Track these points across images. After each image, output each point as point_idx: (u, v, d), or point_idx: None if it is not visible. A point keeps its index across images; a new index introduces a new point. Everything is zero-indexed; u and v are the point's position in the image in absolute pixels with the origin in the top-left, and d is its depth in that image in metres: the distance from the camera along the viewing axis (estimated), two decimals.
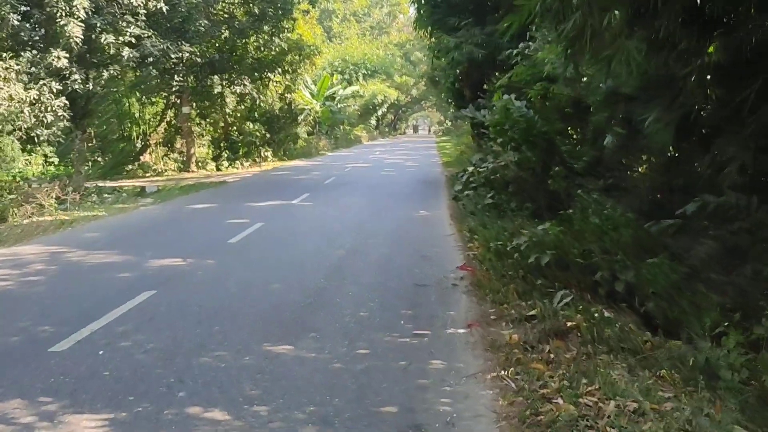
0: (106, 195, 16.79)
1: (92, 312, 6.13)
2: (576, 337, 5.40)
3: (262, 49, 26.07)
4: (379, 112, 64.72)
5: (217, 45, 24.94)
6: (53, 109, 15.99)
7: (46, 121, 15.99)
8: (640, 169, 10.25)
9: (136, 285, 7.14)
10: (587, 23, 5.31)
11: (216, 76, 25.53)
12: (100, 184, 19.94)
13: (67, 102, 16.55)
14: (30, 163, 25.81)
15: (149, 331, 5.63)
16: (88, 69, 17.30)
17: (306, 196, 15.91)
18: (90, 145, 28.85)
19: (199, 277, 7.58)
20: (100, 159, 28.04)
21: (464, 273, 7.88)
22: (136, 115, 29.08)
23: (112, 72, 17.48)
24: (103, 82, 17.56)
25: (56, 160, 23.05)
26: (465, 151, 30.02)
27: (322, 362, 4.89)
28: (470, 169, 14.83)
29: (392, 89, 62.72)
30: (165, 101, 27.68)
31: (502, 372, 4.65)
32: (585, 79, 9.57)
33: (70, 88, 16.48)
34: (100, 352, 5.11)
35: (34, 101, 15.68)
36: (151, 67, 18.64)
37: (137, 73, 20.28)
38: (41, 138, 16.15)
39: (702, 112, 6.40)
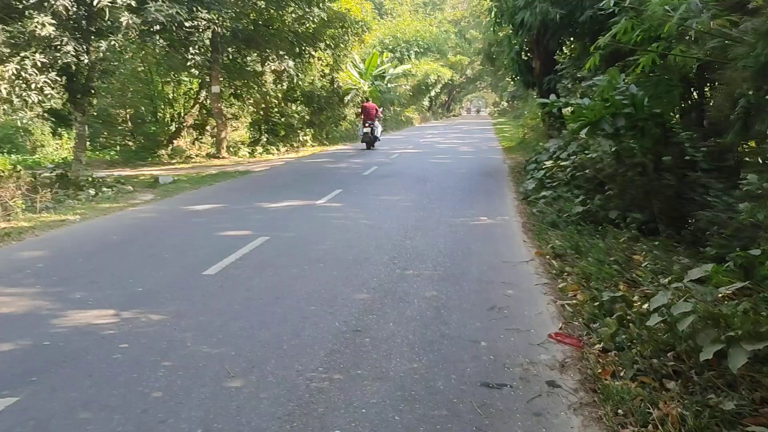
0: (106, 188, 14.08)
1: None
2: None
3: (301, 20, 23.01)
4: (432, 93, 60.85)
5: (251, 16, 22.07)
6: (38, 86, 13.34)
7: (29, 101, 13.35)
8: None
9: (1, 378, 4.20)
10: None
11: (255, 53, 22.72)
12: (116, 172, 17.34)
13: (58, 78, 13.90)
14: (59, 147, 23.71)
15: None
16: (85, 39, 14.56)
17: (336, 193, 12.81)
18: (120, 128, 26.56)
19: (118, 359, 4.50)
20: (131, 143, 25.70)
21: (563, 348, 4.73)
22: (170, 95, 26.61)
23: (112, 42, 14.62)
24: (101, 54, 14.76)
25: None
26: (528, 134, 26.56)
27: None
28: (547, 162, 11.44)
29: (446, 68, 58.74)
30: (199, 80, 25.03)
31: None
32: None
33: (60, 61, 13.77)
34: None
35: (14, 77, 13.06)
36: (157, 37, 15.70)
37: (142, 45, 17.41)
38: (24, 121, 13.45)
39: None
